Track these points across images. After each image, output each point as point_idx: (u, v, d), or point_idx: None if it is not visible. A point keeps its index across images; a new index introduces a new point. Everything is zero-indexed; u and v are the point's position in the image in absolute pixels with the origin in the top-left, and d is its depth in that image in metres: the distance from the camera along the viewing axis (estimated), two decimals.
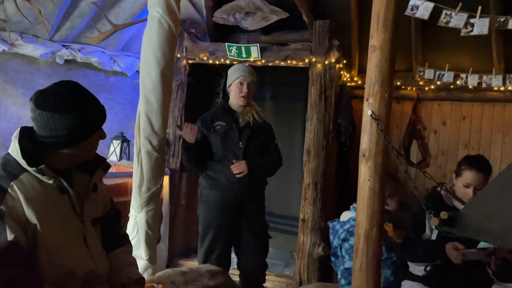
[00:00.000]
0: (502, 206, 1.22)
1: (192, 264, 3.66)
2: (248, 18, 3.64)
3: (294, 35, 3.94)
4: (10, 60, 3.64)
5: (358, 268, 1.62)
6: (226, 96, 3.03)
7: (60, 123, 1.34)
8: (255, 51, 3.76)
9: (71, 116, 1.35)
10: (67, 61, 3.94)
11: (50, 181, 1.38)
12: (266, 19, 3.63)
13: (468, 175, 2.18)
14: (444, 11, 2.61)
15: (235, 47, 3.80)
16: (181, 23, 3.80)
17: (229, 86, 2.90)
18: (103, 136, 1.50)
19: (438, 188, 2.32)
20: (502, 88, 3.68)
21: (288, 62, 3.77)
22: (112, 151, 4.06)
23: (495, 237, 1.15)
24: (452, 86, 3.82)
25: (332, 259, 2.85)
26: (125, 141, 4.11)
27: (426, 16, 2.57)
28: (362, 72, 4.15)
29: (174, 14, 2.54)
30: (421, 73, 3.81)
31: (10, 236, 1.25)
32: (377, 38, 1.62)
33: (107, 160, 1.62)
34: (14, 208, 1.29)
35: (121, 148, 4.05)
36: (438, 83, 3.85)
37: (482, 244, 2.08)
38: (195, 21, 4.09)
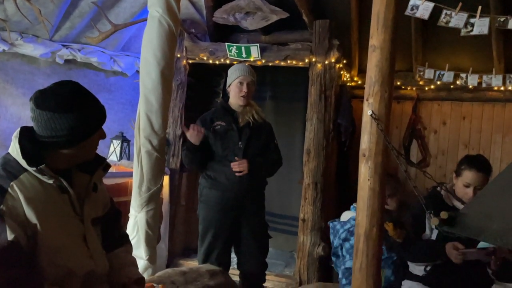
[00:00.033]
0: (502, 206, 1.22)
1: (192, 264, 3.66)
2: (248, 18, 3.64)
3: (294, 35, 3.94)
4: (10, 60, 3.64)
5: (358, 268, 1.62)
6: (226, 96, 3.03)
7: (60, 123, 1.34)
8: (255, 51, 3.76)
9: (71, 116, 1.35)
10: (67, 61, 3.95)
11: (50, 181, 1.38)
12: (266, 19, 3.63)
13: (468, 175, 2.18)
14: (444, 11, 2.61)
15: (235, 47, 3.80)
16: (181, 23, 3.80)
17: (229, 86, 2.90)
18: (103, 136, 1.50)
19: (438, 188, 2.32)
20: (502, 88, 3.68)
21: (288, 62, 3.77)
22: (112, 151, 4.06)
23: (495, 237, 1.15)
24: (452, 86, 3.82)
25: (333, 259, 2.85)
26: (125, 141, 4.11)
27: (426, 16, 2.57)
28: (362, 72, 4.15)
29: (174, 14, 2.54)
30: (421, 73, 3.81)
31: (10, 236, 1.25)
32: (377, 38, 1.62)
33: (107, 160, 1.62)
34: (14, 208, 1.29)
35: (121, 148, 4.05)
36: (438, 83, 3.85)
37: (482, 244, 2.08)
38: (195, 21, 4.09)
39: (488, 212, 1.22)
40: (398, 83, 3.97)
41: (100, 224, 1.60)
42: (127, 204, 2.65)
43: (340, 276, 2.76)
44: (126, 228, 2.52)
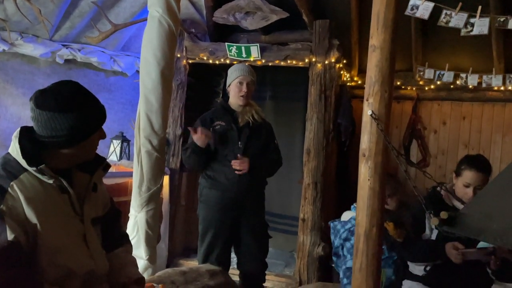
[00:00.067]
0: (502, 206, 1.22)
1: (192, 263, 3.66)
2: (248, 18, 3.64)
3: (294, 35, 3.94)
4: (10, 59, 3.64)
5: (358, 267, 1.61)
6: (226, 96, 3.04)
7: (60, 122, 1.34)
8: (255, 51, 3.76)
9: (71, 115, 1.35)
10: (67, 61, 3.95)
11: (50, 181, 1.38)
12: (266, 19, 3.63)
13: (468, 175, 2.18)
14: (444, 11, 2.61)
15: (235, 47, 3.80)
16: (181, 23, 3.80)
17: (228, 86, 2.90)
18: (103, 136, 1.50)
19: (438, 188, 2.32)
20: (502, 88, 3.68)
21: (288, 62, 3.77)
22: (112, 151, 4.07)
23: (495, 236, 1.15)
24: (452, 86, 3.82)
25: (334, 259, 2.85)
26: (125, 141, 4.11)
27: (426, 16, 2.57)
28: (362, 72, 4.15)
29: (174, 14, 2.54)
30: (421, 73, 3.81)
31: (10, 236, 1.25)
32: (377, 38, 1.62)
33: (107, 160, 1.62)
34: (14, 208, 1.29)
35: (121, 148, 4.05)
36: (438, 83, 3.85)
37: (482, 244, 2.08)
38: (195, 21, 4.09)
39: (488, 212, 1.22)
40: (398, 83, 3.97)
41: (100, 224, 1.60)
42: (127, 204, 2.65)
43: (341, 276, 2.76)
44: (126, 228, 2.52)
